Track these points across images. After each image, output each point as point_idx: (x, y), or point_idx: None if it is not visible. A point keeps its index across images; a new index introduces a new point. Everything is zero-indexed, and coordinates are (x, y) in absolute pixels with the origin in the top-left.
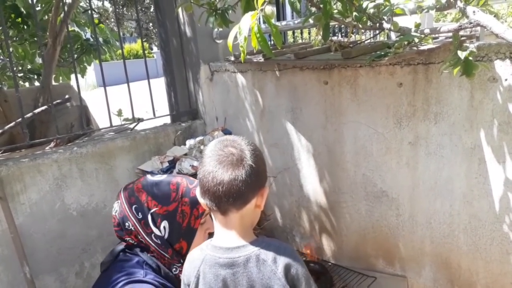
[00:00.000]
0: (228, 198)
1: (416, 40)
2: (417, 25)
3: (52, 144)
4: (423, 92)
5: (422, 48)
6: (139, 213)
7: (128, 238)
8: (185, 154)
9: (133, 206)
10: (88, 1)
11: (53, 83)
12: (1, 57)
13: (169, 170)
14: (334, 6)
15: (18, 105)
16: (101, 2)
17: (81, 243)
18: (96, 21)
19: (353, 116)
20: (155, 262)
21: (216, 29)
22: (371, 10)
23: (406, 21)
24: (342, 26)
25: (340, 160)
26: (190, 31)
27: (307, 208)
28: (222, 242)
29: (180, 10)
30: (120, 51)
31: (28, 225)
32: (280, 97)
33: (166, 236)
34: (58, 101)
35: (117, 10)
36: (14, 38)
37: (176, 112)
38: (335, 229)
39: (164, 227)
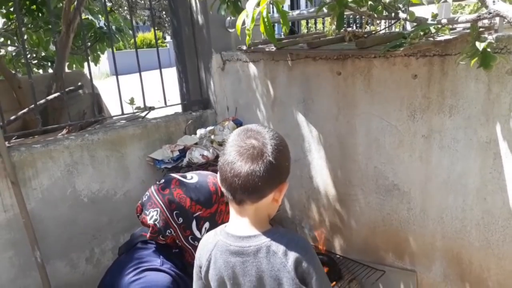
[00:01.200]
0: (243, 191)
1: (433, 30)
2: (434, 15)
3: (64, 131)
4: (438, 85)
5: (438, 39)
6: (180, 218)
7: (161, 242)
8: (196, 144)
9: (174, 212)
10: None
11: (66, 70)
12: (16, 44)
13: (179, 159)
14: None
15: (31, 92)
16: None
17: (91, 229)
18: (109, 9)
19: (366, 108)
20: (178, 259)
21: (228, 18)
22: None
23: (423, 12)
24: (357, 16)
25: (352, 152)
26: (203, 19)
27: (317, 200)
28: (235, 230)
29: None
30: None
31: (39, 210)
32: (292, 87)
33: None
34: (70, 88)
35: None
36: (29, 25)
37: (187, 101)
38: (344, 221)
39: (205, 228)
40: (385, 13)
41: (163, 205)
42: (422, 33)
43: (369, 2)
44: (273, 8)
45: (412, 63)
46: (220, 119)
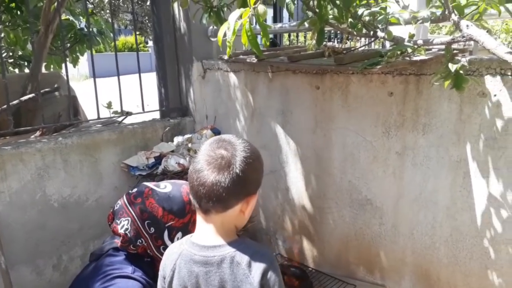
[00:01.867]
0: (208, 201)
1: (409, 50)
2: (411, 36)
3: (37, 133)
4: (413, 103)
5: (414, 58)
6: (151, 228)
7: (132, 251)
8: (172, 151)
9: (146, 222)
10: None
11: (43, 71)
12: None
13: (154, 166)
14: (331, 12)
15: (5, 91)
16: None
17: (60, 236)
18: (90, 11)
19: (343, 122)
20: (149, 267)
21: (211, 27)
22: (367, 18)
23: (401, 31)
24: (338, 32)
25: (328, 165)
26: (185, 27)
27: (292, 212)
28: (200, 239)
29: (175, 5)
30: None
31: (6, 214)
32: (271, 99)
33: None
34: (46, 89)
35: (112, 1)
36: (7, 23)
37: (165, 108)
38: (318, 234)
39: (178, 238)
40: (364, 31)
41: (134, 215)
42: (399, 52)
43: (349, 20)
44: (254, 19)
45: (388, 80)
46: (198, 128)
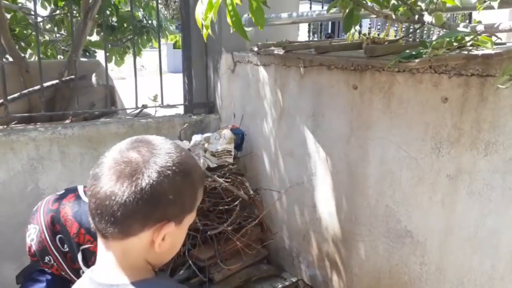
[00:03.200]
0: (101, 220)
1: (468, 40)
2: (477, 22)
3: (67, 121)
4: (474, 113)
5: (475, 52)
6: (65, 246)
7: (46, 269)
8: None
9: (57, 237)
10: None
11: (82, 59)
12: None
13: None
14: None
15: (39, 76)
16: None
17: None
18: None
19: (383, 131)
20: None
21: (245, 15)
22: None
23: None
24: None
25: (361, 183)
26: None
27: (318, 234)
28: (99, 274)
29: None
30: (172, 36)
31: None
32: (302, 98)
33: None
34: (70, 77)
35: None
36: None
37: (189, 102)
38: (346, 264)
39: None
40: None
41: (43, 224)
42: (456, 43)
43: (392, 1)
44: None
45: (443, 82)
46: (223, 126)
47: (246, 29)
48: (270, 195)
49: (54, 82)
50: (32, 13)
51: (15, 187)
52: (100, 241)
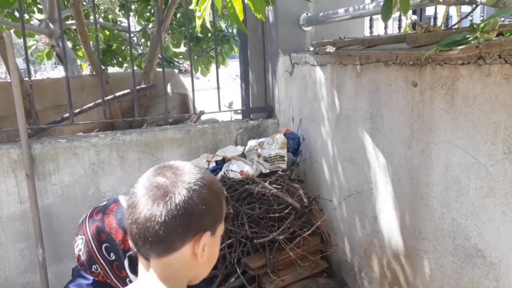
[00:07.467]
0: (144, 242)
1: None
2: None
3: (144, 127)
4: None
5: None
6: (111, 254)
7: (96, 277)
8: (241, 156)
9: (103, 246)
10: None
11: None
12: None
13: (214, 171)
14: None
15: (116, 88)
16: None
17: None
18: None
19: (447, 134)
20: None
21: (304, 14)
22: None
23: None
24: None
25: (425, 193)
26: (272, 15)
27: (380, 247)
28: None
29: None
30: None
31: (57, 207)
32: (359, 99)
33: None
34: (142, 86)
35: None
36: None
37: (246, 107)
38: (409, 283)
39: None
40: None
41: (89, 234)
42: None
43: None
44: None
45: None
46: (277, 131)
47: (305, 28)
48: (330, 203)
49: (126, 91)
50: (126, 29)
51: (78, 190)
52: (140, 262)
